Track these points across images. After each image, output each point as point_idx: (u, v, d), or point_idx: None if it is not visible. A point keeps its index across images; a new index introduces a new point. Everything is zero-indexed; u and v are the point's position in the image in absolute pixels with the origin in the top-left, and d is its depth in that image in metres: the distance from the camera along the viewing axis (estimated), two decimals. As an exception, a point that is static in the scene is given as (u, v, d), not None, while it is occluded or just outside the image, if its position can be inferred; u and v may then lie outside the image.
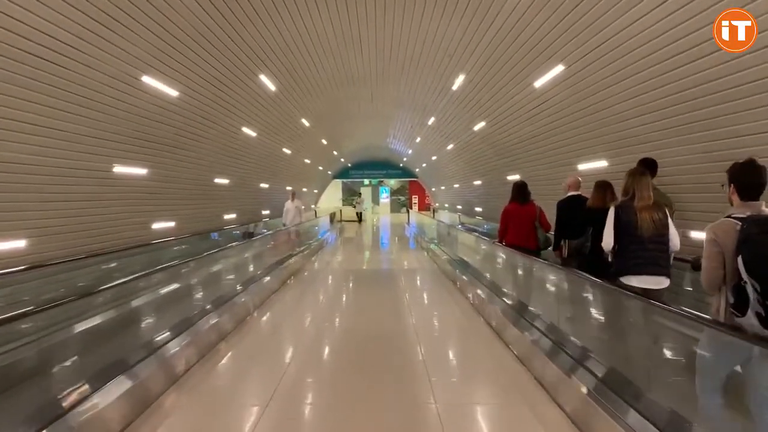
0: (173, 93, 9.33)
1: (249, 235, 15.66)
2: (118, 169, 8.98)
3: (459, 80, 12.28)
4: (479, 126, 14.38)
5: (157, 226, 11.01)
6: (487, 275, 9.07)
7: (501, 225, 7.37)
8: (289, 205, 14.92)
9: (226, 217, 16.01)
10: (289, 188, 21.08)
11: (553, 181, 10.93)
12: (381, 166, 40.11)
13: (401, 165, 38.58)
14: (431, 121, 17.69)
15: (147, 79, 8.33)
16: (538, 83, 9.23)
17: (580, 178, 6.66)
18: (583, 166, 9.39)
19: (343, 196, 43.87)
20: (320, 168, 30.00)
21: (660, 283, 4.39)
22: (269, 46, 10.49)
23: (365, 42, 11.34)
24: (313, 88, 14.53)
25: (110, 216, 9.22)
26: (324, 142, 21.89)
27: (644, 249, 4.40)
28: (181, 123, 10.53)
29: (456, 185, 24.71)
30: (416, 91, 15.10)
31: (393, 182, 44.78)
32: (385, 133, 26.10)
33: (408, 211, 36.03)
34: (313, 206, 33.88)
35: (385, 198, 45.20)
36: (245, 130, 14.06)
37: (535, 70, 9.08)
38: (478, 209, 20.91)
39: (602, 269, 4.74)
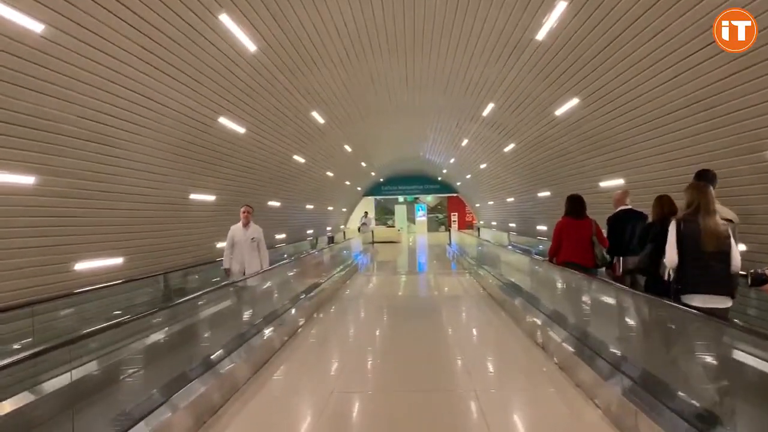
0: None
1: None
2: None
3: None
4: (565, 108, 11.15)
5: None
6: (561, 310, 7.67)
7: (554, 241, 7.21)
8: (235, 232, 8.58)
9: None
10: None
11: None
12: (417, 181, 38.85)
13: (439, 179, 37.88)
14: (485, 114, 15.07)
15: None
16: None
17: (627, 191, 6.81)
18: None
19: (377, 215, 42.91)
20: (347, 183, 28.82)
21: (724, 302, 4.31)
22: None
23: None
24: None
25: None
26: (348, 148, 20.47)
27: (707, 266, 4.30)
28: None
29: (510, 199, 22.84)
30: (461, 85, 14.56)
31: (430, 198, 44.16)
32: (421, 142, 25.06)
33: (449, 230, 34.23)
34: (342, 227, 33.64)
35: (421, 216, 44.46)
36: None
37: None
38: (542, 227, 18.56)
39: (664, 288, 4.62)
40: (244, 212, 8.52)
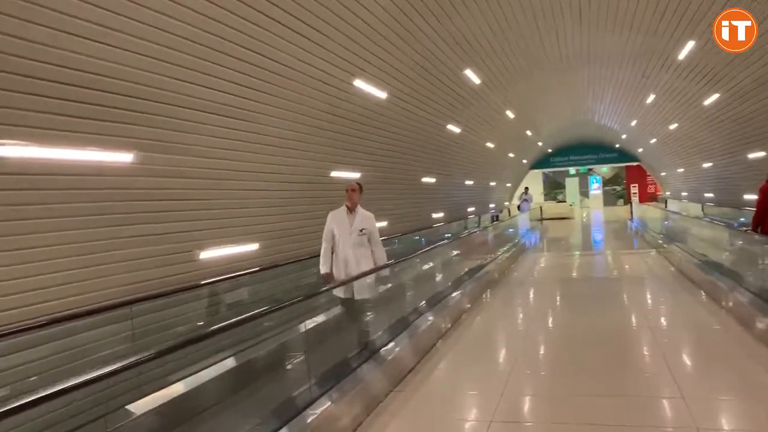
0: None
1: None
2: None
3: None
4: None
5: (435, 215, 12.96)
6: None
7: (758, 209, 6.74)
8: (337, 221, 6.60)
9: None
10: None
11: None
12: (590, 149, 35.87)
13: (617, 146, 34.70)
14: (681, 57, 11.87)
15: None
16: None
17: None
18: None
19: (545, 189, 42.09)
20: (511, 155, 26.37)
21: None
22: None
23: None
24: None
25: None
26: (510, 114, 18.36)
27: None
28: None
29: (707, 164, 19.71)
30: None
31: (605, 169, 41.56)
32: (596, 102, 22.12)
33: (630, 203, 32.03)
34: (506, 204, 31.89)
35: (596, 189, 42.25)
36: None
37: None
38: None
39: None
40: (350, 191, 6.09)
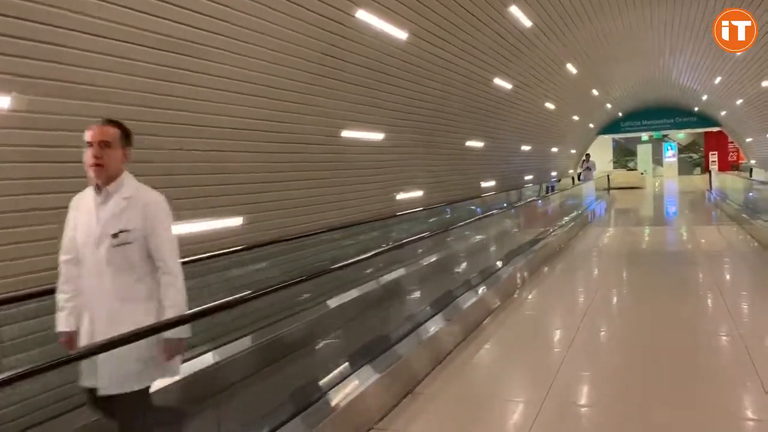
0: (401, 35, 8.09)
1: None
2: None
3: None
4: None
5: (485, 184, 13.07)
6: None
7: None
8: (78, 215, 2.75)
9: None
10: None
11: None
12: (665, 113, 33.00)
13: (695, 109, 31.59)
14: None
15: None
16: None
17: None
18: None
19: (614, 156, 40.05)
20: (575, 118, 24.00)
21: None
22: None
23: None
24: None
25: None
26: (571, 69, 16.15)
27: None
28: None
29: None
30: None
31: (682, 135, 38.61)
32: (674, 56, 19.34)
33: (709, 173, 29.01)
34: (571, 171, 29.31)
35: (671, 156, 39.47)
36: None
37: None
38: None
39: None
40: (95, 145, 2.63)
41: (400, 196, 10.95)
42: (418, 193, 11.65)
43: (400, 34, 7.91)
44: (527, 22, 10.39)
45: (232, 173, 6.50)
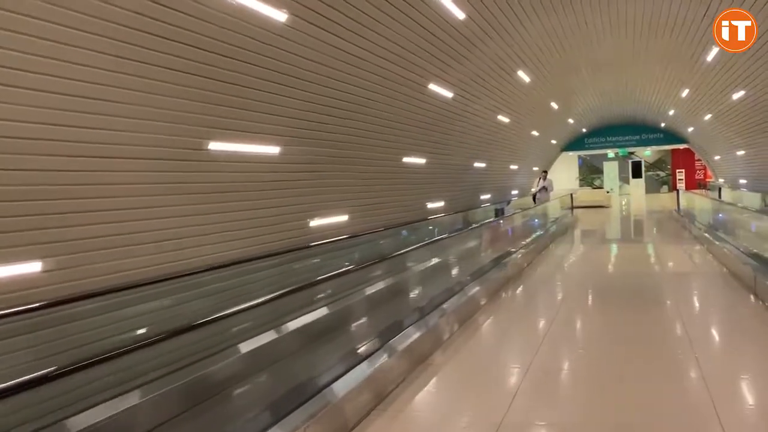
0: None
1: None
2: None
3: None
4: None
5: (431, 205, 14.44)
6: None
7: None
8: None
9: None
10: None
11: None
12: (631, 130, 32.54)
13: (662, 125, 31.11)
14: None
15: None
16: None
17: None
18: None
19: (581, 174, 39.24)
20: (534, 133, 23.08)
21: None
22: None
23: None
24: None
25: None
26: (524, 77, 14.59)
27: None
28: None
29: None
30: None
31: (648, 152, 37.85)
32: (640, 79, 19.56)
33: (676, 191, 27.54)
34: (533, 189, 28.13)
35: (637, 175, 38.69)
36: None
37: None
38: None
39: None
40: None
41: (315, 222, 9.26)
42: (341, 218, 10.00)
43: (279, 15, 6.10)
44: (459, 14, 8.62)
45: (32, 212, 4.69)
